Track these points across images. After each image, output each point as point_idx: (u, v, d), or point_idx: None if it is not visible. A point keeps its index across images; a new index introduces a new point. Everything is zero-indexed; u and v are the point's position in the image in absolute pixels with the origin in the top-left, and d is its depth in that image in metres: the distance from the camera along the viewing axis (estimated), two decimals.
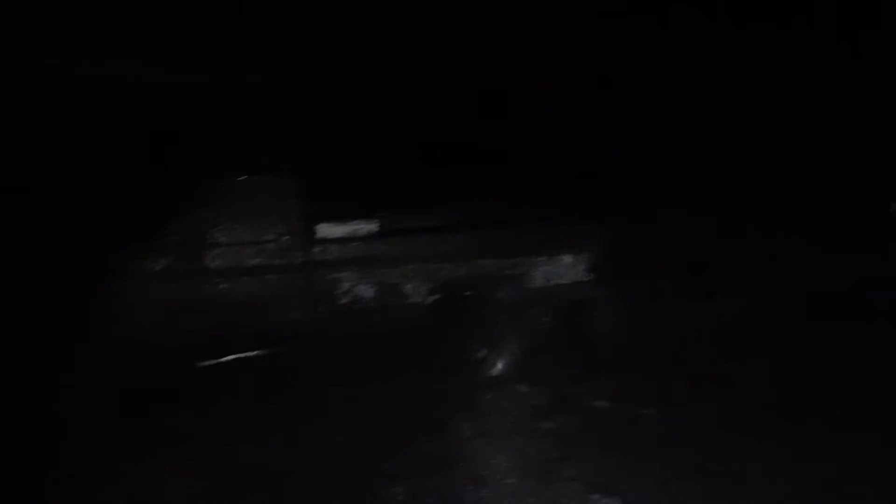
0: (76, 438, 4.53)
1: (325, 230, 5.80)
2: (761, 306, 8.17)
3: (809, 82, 10.45)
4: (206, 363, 5.61)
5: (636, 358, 6.53)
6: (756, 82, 10.70)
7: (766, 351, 6.87)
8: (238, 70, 8.32)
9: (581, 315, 6.53)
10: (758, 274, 8.89)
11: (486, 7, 9.72)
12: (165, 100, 7.38)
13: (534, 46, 10.10)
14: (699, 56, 10.58)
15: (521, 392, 5.62)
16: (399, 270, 5.74)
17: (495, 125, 10.80)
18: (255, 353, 5.71)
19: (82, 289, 5.21)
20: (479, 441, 4.65)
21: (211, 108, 7.27)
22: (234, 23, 8.23)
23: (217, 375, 5.65)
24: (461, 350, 5.93)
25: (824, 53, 10.23)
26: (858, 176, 9.71)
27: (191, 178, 5.77)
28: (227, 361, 5.63)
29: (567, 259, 6.17)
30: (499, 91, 10.26)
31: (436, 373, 5.76)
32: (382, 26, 9.30)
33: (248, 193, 5.69)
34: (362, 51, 9.19)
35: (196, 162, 6.02)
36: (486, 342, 5.97)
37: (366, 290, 5.67)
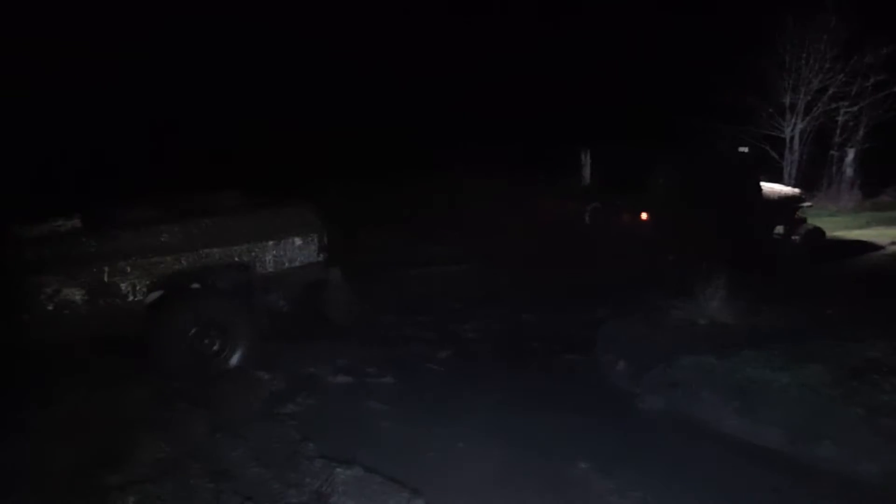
0: None
1: (20, 230, 5.08)
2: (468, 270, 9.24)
3: None
4: None
5: (368, 331, 6.81)
6: None
7: (480, 308, 7.66)
8: None
9: (314, 296, 6.58)
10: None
11: None
12: None
13: None
14: None
15: (259, 379, 5.52)
16: (112, 268, 5.20)
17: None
18: None
19: None
20: (218, 437, 4.49)
21: None
22: None
23: None
24: (194, 346, 5.61)
25: None
26: None
27: None
28: None
29: (297, 242, 6.13)
30: None
31: (167, 372, 5.42)
32: None
33: None
34: None
35: None
36: (219, 334, 5.72)
37: (74, 294, 5.07)
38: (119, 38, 12.97)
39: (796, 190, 11.33)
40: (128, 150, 11.91)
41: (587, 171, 9.70)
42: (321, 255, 6.28)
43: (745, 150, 11.15)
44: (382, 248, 10.17)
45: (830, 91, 16.77)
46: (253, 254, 5.88)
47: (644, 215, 8.67)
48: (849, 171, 17.41)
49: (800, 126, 17.20)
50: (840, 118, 17.19)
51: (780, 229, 10.15)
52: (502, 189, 11.68)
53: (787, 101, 17.00)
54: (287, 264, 6.09)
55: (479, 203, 11.83)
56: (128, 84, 12.72)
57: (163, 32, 13.54)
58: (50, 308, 4.98)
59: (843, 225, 13.43)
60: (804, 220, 10.43)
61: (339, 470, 4.03)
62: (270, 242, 5.98)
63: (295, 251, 6.14)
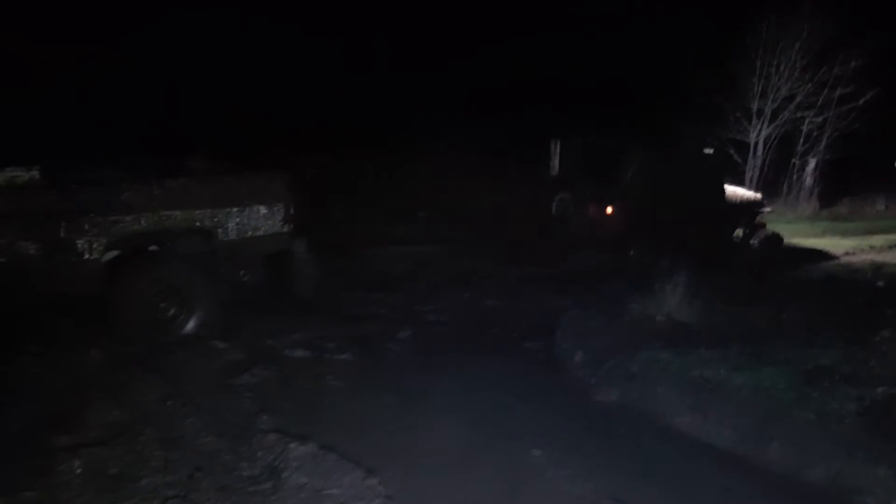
0: None
1: None
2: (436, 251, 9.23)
3: None
4: None
5: (330, 306, 6.75)
6: None
7: (444, 290, 7.66)
8: None
9: (278, 267, 6.48)
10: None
11: None
12: None
13: None
14: None
15: (216, 349, 5.44)
16: (68, 224, 5.03)
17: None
18: None
19: None
20: (172, 403, 4.40)
21: None
22: None
23: None
24: (149, 309, 5.48)
25: None
26: None
27: None
28: None
29: (262, 210, 6.01)
30: None
31: (121, 335, 5.30)
32: None
33: None
34: None
35: None
36: (176, 300, 5.61)
37: (28, 248, 4.90)
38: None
39: (758, 195, 11.54)
40: (102, 112, 11.62)
41: (556, 162, 9.73)
42: (286, 226, 6.18)
43: (711, 151, 11.29)
44: (351, 224, 10.07)
45: (798, 99, 17.08)
46: (216, 219, 5.76)
47: (609, 209, 8.75)
48: (809, 180, 17.81)
49: (765, 132, 17.49)
50: (805, 127, 17.54)
51: (739, 232, 10.35)
52: (476, 175, 11.68)
53: (755, 106, 17.26)
54: (250, 233, 5.98)
55: (452, 187, 11.79)
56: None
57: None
58: (2, 261, 4.81)
59: (800, 232, 13.73)
60: (763, 225, 10.65)
61: (293, 445, 3.98)
62: (234, 209, 5.86)
63: (259, 220, 6.02)
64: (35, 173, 5.09)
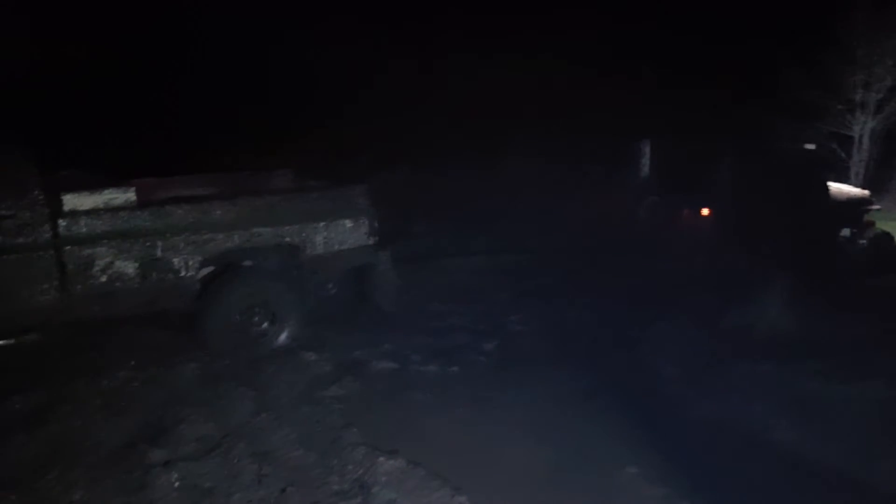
0: None
1: (73, 201, 5.09)
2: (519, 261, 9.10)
3: None
4: None
5: (415, 318, 6.75)
6: None
7: (528, 300, 7.52)
8: None
9: (363, 280, 6.55)
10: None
11: None
12: None
13: None
14: None
15: (305, 361, 5.51)
16: (164, 243, 5.25)
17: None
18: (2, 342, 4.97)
19: None
20: (263, 417, 4.49)
21: None
22: None
23: None
24: (242, 324, 5.65)
25: None
26: None
27: None
28: None
29: (347, 224, 6.09)
30: None
31: (215, 349, 5.46)
32: None
33: None
34: None
35: None
36: (267, 314, 5.75)
37: (126, 267, 5.14)
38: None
39: (865, 191, 10.83)
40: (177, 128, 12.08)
41: (645, 164, 9.43)
42: (371, 239, 6.23)
43: (812, 146, 10.69)
44: (433, 235, 10.07)
45: None
46: (303, 234, 5.87)
47: (705, 211, 8.39)
48: None
49: (870, 125, 16.43)
50: None
51: (846, 232, 9.72)
52: (558, 181, 11.48)
53: (858, 97, 16.25)
54: (336, 247, 6.07)
55: (533, 194, 11.63)
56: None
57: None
58: (103, 281, 5.05)
59: None
60: (872, 224, 9.97)
61: (381, 459, 3.97)
62: (320, 224, 5.96)
63: (345, 234, 6.10)
64: (131, 194, 5.32)
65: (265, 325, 5.77)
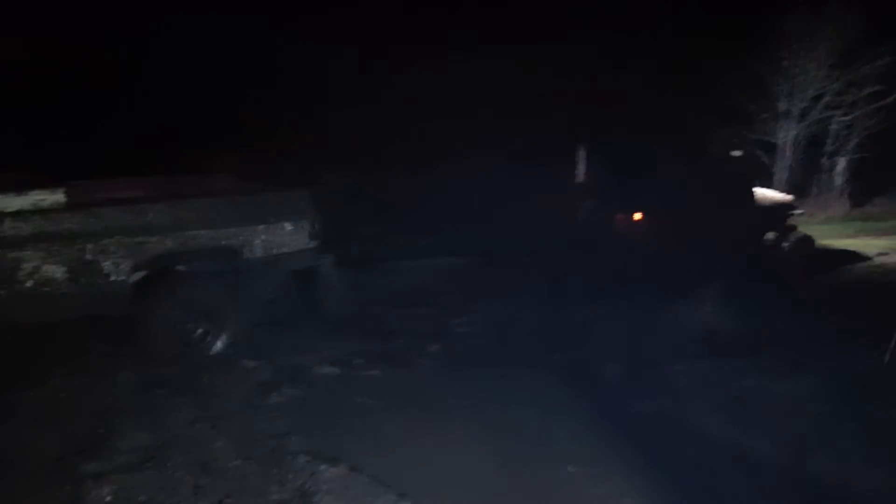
0: None
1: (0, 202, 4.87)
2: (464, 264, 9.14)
3: None
4: None
5: (358, 321, 6.69)
6: None
7: (473, 303, 7.56)
8: None
9: (304, 283, 6.45)
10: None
11: None
12: None
13: None
14: None
15: (244, 368, 5.39)
16: (94, 246, 5.03)
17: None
18: None
19: None
20: (200, 426, 4.36)
21: None
22: None
23: None
24: (178, 330, 5.47)
25: None
26: None
27: None
28: None
29: (287, 227, 5.98)
30: None
31: (149, 357, 5.28)
32: None
33: None
34: None
35: None
36: (203, 319, 5.59)
37: (55, 270, 4.90)
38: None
39: (788, 196, 11.29)
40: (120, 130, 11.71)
41: (583, 168, 9.59)
42: (313, 242, 6.14)
43: (739, 153, 11.07)
44: (378, 238, 10.01)
45: (825, 99, 16.76)
46: (241, 238, 5.73)
47: (637, 215, 8.59)
48: (839, 180, 17.44)
49: (793, 132, 17.19)
50: (833, 126, 17.20)
51: (770, 235, 10.11)
52: (501, 183, 11.55)
53: (783, 106, 16.98)
54: (276, 250, 5.95)
55: (484, 195, 11.66)
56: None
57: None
58: (29, 285, 4.82)
59: (831, 233, 13.42)
60: (795, 227, 10.40)
61: (323, 467, 3.91)
62: (260, 227, 5.83)
63: (285, 237, 5.99)
64: (60, 195, 5.09)
65: (202, 331, 5.60)
